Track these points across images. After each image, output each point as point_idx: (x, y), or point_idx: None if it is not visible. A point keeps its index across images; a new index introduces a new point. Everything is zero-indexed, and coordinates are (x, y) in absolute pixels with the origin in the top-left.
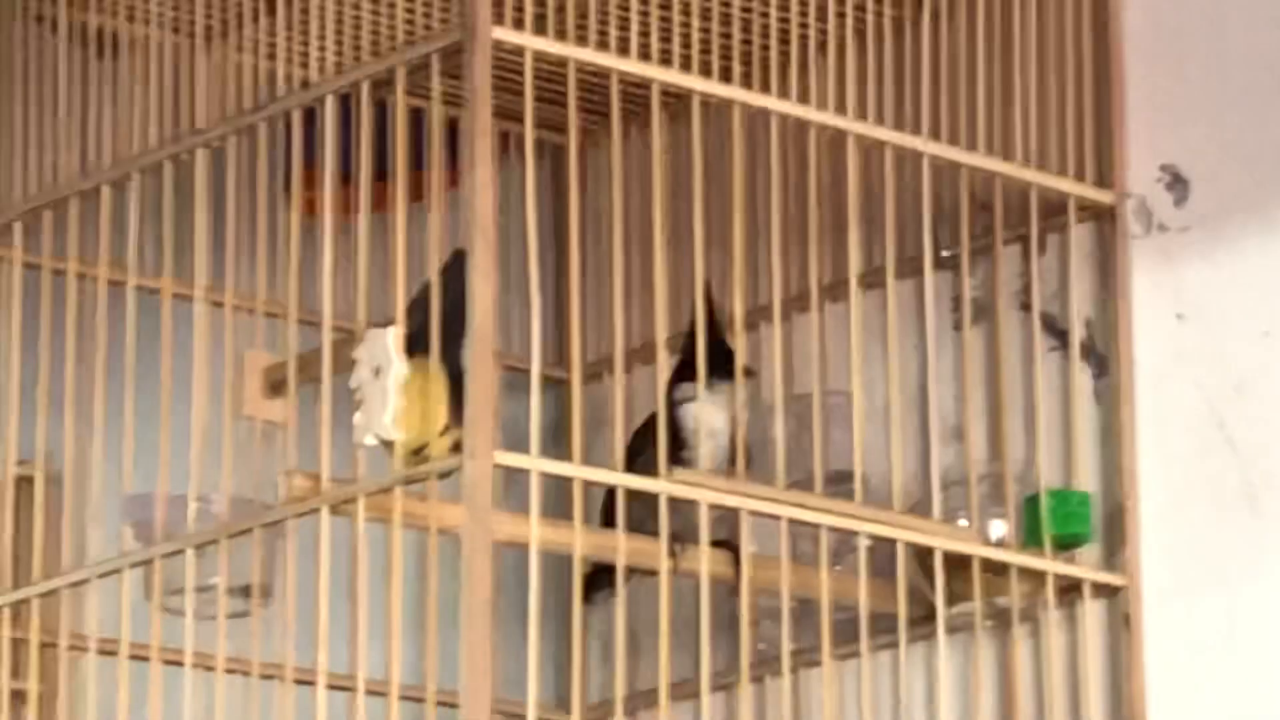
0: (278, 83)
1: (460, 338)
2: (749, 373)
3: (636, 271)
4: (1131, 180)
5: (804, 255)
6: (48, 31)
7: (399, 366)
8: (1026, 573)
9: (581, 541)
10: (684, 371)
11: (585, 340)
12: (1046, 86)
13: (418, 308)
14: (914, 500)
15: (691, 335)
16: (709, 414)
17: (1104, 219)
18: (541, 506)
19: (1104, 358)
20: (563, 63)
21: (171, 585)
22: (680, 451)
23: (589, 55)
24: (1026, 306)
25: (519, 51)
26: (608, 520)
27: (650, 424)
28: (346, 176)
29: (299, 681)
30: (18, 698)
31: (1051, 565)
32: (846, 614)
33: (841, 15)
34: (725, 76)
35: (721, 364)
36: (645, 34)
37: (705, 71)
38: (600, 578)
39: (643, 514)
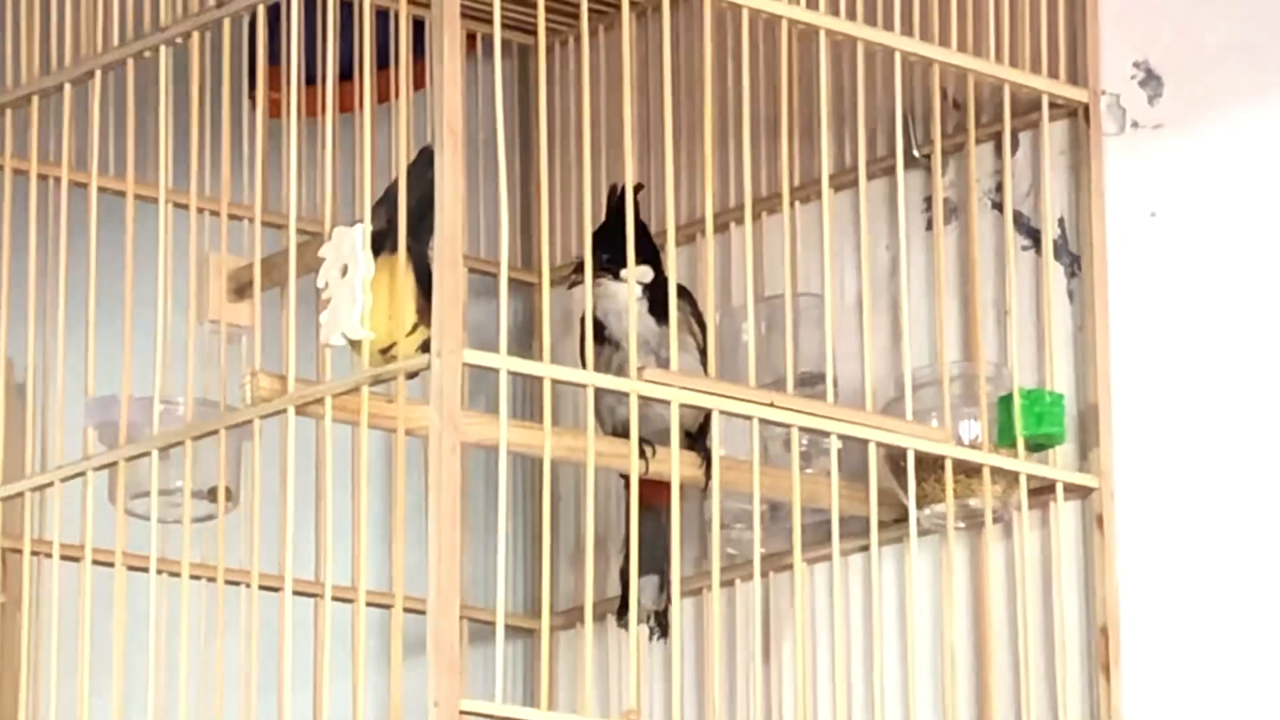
0: None
1: (428, 235)
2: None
3: (605, 173)
4: (1105, 78)
5: (775, 155)
6: None
7: (366, 265)
8: (999, 473)
9: (550, 443)
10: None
11: (553, 243)
12: None
13: (384, 205)
14: (886, 401)
15: (603, 228)
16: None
17: (1077, 117)
18: (511, 415)
19: (1077, 256)
20: None
21: (136, 488)
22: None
23: None
24: (999, 205)
25: None
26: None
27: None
28: (311, 78)
29: (265, 587)
30: None
31: (1024, 466)
32: (818, 517)
33: None
34: None
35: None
36: None
37: None
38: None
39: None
